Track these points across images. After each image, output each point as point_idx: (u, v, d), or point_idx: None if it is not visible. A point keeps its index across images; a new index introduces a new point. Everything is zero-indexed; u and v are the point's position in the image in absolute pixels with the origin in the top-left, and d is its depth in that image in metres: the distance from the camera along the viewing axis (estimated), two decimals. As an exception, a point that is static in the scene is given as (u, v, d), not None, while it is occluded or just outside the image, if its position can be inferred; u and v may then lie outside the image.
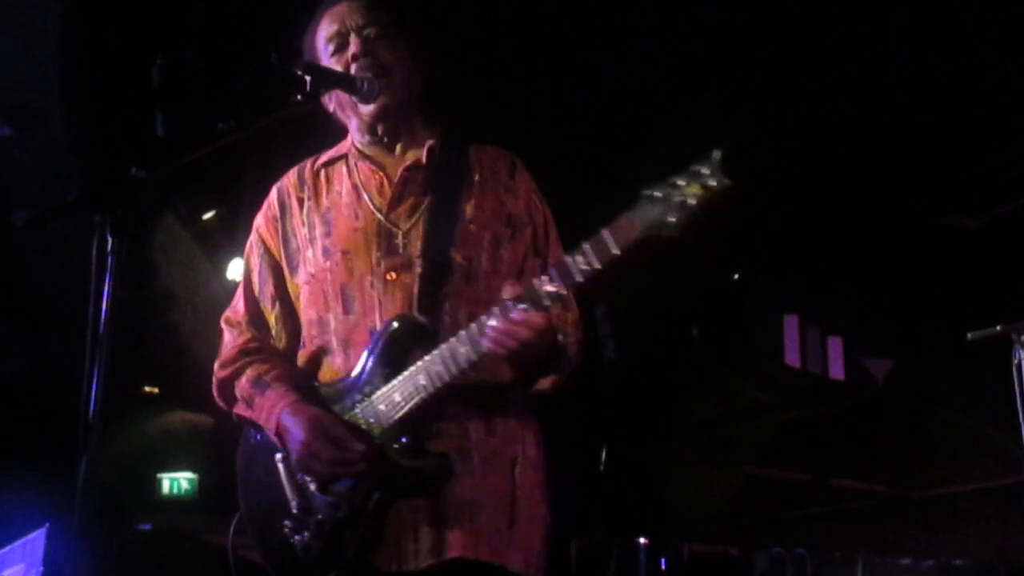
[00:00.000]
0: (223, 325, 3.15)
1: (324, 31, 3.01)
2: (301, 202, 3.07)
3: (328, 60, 2.99)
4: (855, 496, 4.68)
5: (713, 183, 2.46)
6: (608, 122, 5.65)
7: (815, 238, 6.55)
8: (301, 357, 3.00)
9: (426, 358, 2.72)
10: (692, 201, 2.46)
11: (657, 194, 2.49)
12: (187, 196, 6.09)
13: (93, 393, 2.29)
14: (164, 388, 7.41)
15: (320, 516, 2.78)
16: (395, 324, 2.79)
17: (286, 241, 3.06)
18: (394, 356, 2.77)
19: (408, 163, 3.00)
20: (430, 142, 3.01)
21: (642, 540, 4.82)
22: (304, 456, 2.79)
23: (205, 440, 7.32)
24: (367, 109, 2.96)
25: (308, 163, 3.14)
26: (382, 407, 2.76)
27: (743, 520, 4.85)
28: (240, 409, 2.99)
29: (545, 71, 5.41)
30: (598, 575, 4.89)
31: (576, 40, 5.35)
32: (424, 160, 2.99)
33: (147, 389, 7.43)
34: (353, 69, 2.94)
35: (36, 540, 4.38)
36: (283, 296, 3.07)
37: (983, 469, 4.51)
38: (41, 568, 4.24)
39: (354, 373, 2.84)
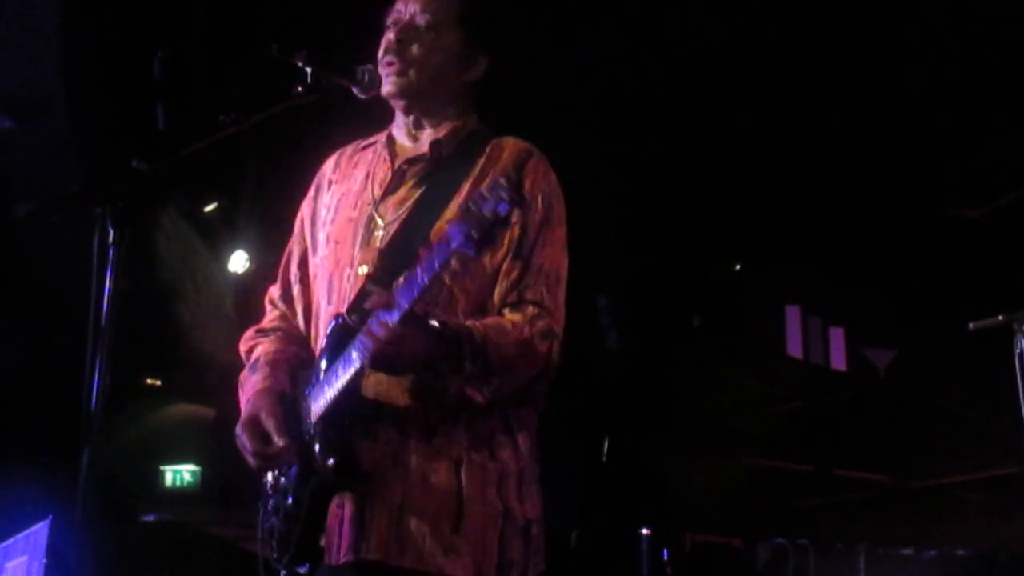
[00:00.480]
0: (265, 301, 3.17)
1: (388, 15, 2.99)
2: (330, 184, 3.08)
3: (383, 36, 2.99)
4: (857, 486, 4.67)
5: (504, 197, 2.31)
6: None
7: (817, 229, 6.56)
8: (312, 337, 3.01)
9: (340, 358, 2.69)
10: (487, 215, 2.33)
11: (471, 207, 2.35)
12: (188, 189, 6.10)
13: (95, 386, 2.29)
14: (166, 380, 7.42)
15: (278, 501, 2.82)
16: (335, 321, 2.79)
17: (313, 223, 3.07)
18: (330, 354, 2.76)
19: (412, 154, 2.97)
20: (440, 134, 2.96)
21: (644, 531, 4.82)
22: (239, 446, 2.84)
23: (207, 432, 7.34)
24: (384, 91, 2.93)
25: (351, 146, 3.13)
26: (314, 404, 2.77)
27: (745, 511, 4.85)
28: (239, 391, 3.02)
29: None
30: (599, 566, 4.89)
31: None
32: (427, 152, 2.95)
33: (149, 381, 7.45)
34: (384, 51, 2.93)
35: (39, 532, 4.40)
36: (303, 276, 3.07)
37: (985, 459, 4.51)
38: (44, 560, 4.26)
39: (315, 365, 2.85)
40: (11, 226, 5.55)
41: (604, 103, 5.62)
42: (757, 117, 5.84)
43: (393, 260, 2.77)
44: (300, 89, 2.78)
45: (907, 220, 6.40)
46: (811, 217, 6.52)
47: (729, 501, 4.81)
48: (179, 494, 7.61)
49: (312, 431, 2.75)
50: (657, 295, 6.24)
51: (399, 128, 3.04)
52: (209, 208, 6.41)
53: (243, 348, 3.09)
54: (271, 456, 2.77)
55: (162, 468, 7.65)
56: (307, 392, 2.82)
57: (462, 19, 2.97)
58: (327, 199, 3.06)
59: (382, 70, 2.93)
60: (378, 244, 2.84)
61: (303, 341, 3.04)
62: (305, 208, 3.14)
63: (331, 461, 2.69)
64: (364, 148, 3.10)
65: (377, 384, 2.73)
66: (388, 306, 2.51)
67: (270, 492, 2.87)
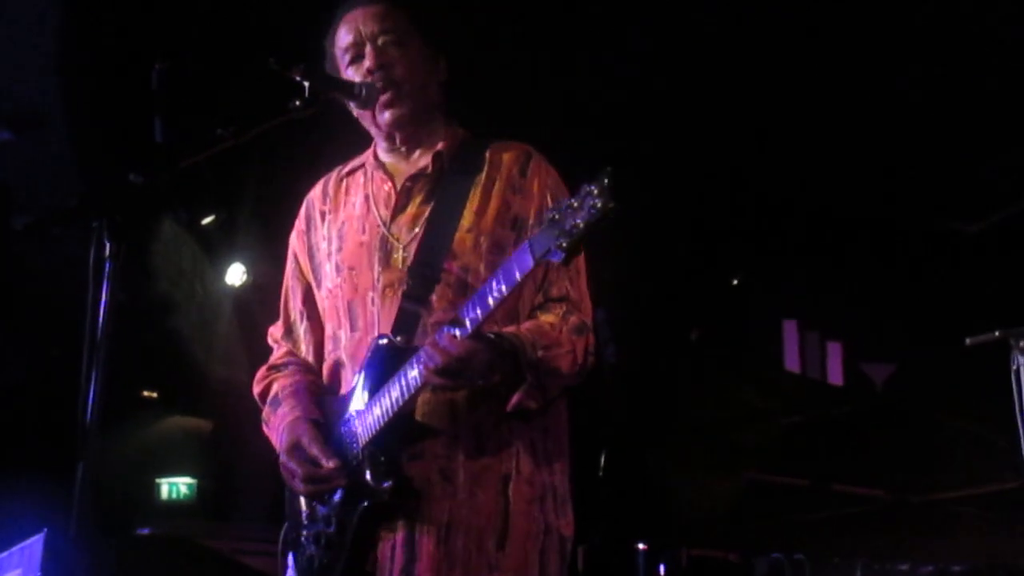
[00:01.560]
0: (269, 340, 3.18)
1: (342, 40, 2.99)
2: (323, 215, 3.07)
3: (347, 71, 2.97)
4: (854, 501, 4.66)
5: (599, 205, 2.33)
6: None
7: (815, 243, 6.56)
8: (324, 370, 3.01)
9: (392, 380, 2.70)
10: (580, 225, 2.34)
11: (556, 217, 2.39)
12: (186, 201, 6.10)
13: (91, 398, 2.29)
14: (163, 393, 7.42)
15: (319, 529, 2.81)
16: (377, 342, 2.79)
17: (311, 256, 3.07)
18: (376, 375, 2.76)
19: (413, 171, 2.97)
20: (439, 147, 2.97)
21: (641, 545, 4.82)
22: (286, 476, 2.85)
23: (203, 445, 7.33)
24: (382, 119, 2.94)
25: (334, 173, 3.13)
26: (361, 427, 2.77)
27: (742, 525, 4.84)
28: (264, 428, 3.01)
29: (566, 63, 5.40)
30: (597, 580, 4.89)
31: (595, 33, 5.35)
32: (430, 167, 2.95)
33: (146, 394, 7.45)
34: (370, 81, 2.92)
35: (34, 545, 4.38)
36: (311, 311, 3.08)
37: (982, 474, 4.50)
38: (39, 573, 4.24)
39: (349, 390, 2.85)
40: (9, 238, 5.55)
41: (601, 115, 5.63)
42: (756, 131, 5.85)
43: (423, 276, 2.80)
44: (297, 103, 2.78)
45: (905, 235, 6.41)
46: (809, 231, 6.52)
47: (726, 515, 4.80)
48: (175, 507, 7.59)
49: (361, 455, 2.75)
50: (655, 309, 6.25)
51: (385, 150, 3.04)
52: (206, 221, 6.41)
53: (257, 389, 3.09)
54: (321, 479, 2.77)
55: (158, 481, 7.64)
56: (346, 418, 2.82)
57: (414, 27, 2.99)
58: (324, 231, 3.05)
59: (377, 102, 2.92)
60: (399, 264, 2.85)
61: (316, 372, 3.04)
62: (297, 243, 3.13)
63: (388, 484, 2.70)
64: (350, 174, 3.09)
65: (423, 404, 2.74)
66: (457, 322, 2.55)
67: (306, 522, 2.86)
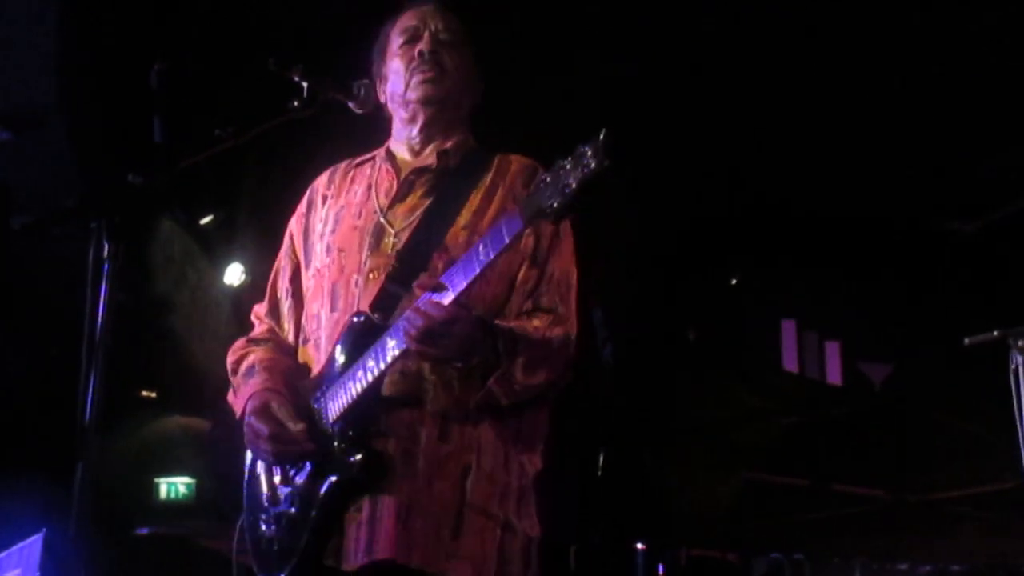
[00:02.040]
0: (252, 318, 3.21)
1: (403, 23, 3.07)
2: (324, 199, 3.11)
3: (395, 49, 3.04)
4: (853, 501, 4.67)
5: (593, 165, 2.34)
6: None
7: (813, 243, 6.56)
8: (302, 353, 3.03)
9: (367, 352, 2.71)
10: (572, 184, 2.36)
11: (548, 179, 2.41)
12: (185, 201, 6.10)
13: (90, 398, 2.29)
14: (161, 393, 7.41)
15: (280, 509, 2.81)
16: (354, 319, 2.81)
17: (306, 236, 3.11)
18: (351, 351, 2.78)
19: (418, 165, 3.01)
20: (447, 144, 3.01)
21: (639, 545, 4.82)
22: (249, 436, 2.87)
23: (202, 445, 7.32)
24: (414, 94, 2.99)
25: (344, 163, 3.18)
26: (332, 401, 2.78)
27: (741, 525, 4.85)
28: (229, 396, 3.02)
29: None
30: (596, 580, 4.89)
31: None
32: (435, 163, 2.99)
33: (144, 394, 7.43)
34: (414, 63, 2.99)
35: (33, 545, 4.38)
36: (295, 290, 3.11)
37: (981, 474, 4.50)
38: (38, 573, 4.24)
39: (322, 367, 2.87)
40: (7, 238, 5.54)
41: (598, 118, 5.63)
42: (753, 130, 5.84)
43: (410, 263, 2.81)
44: (296, 103, 2.79)
45: (903, 235, 6.41)
46: (807, 231, 6.52)
47: (725, 515, 4.80)
48: (174, 507, 7.58)
49: (331, 429, 2.76)
50: (653, 309, 6.25)
51: (400, 143, 3.09)
52: (205, 221, 6.41)
53: (231, 357, 3.11)
54: (288, 439, 2.78)
55: (157, 481, 7.63)
56: (318, 395, 2.83)
57: (470, 43, 3.08)
58: (322, 213, 3.09)
59: (413, 77, 2.99)
60: (389, 249, 2.87)
61: (293, 353, 3.06)
62: (295, 224, 3.17)
63: (358, 457, 2.70)
64: (360, 164, 3.15)
65: (392, 382, 2.75)
66: (439, 287, 2.56)
67: (266, 504, 2.86)
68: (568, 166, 2.38)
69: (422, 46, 3.00)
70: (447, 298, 2.56)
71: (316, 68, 2.94)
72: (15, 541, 4.59)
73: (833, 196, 6.20)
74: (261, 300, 3.23)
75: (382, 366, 2.67)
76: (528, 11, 5.27)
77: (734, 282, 6.89)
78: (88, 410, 2.28)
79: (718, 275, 6.85)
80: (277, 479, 2.86)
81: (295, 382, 2.95)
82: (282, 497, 2.82)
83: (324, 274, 2.97)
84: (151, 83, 5.08)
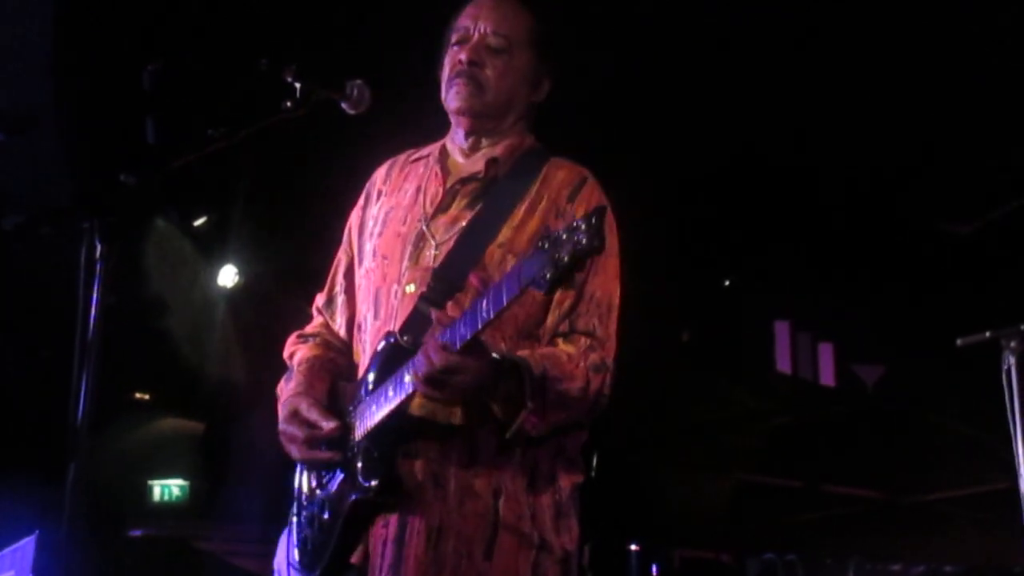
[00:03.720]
0: (312, 309, 3.17)
1: (460, 20, 2.97)
2: (380, 194, 3.06)
3: (448, 46, 2.96)
4: (846, 502, 4.68)
5: (584, 242, 2.30)
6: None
7: (806, 244, 6.57)
8: (355, 348, 2.99)
9: (391, 378, 2.69)
10: (565, 259, 2.31)
11: (546, 246, 2.35)
12: (178, 203, 6.10)
13: (82, 400, 2.28)
14: (155, 395, 7.40)
15: (313, 511, 2.81)
16: (387, 340, 2.78)
17: (360, 232, 3.06)
18: (379, 372, 2.76)
19: (465, 173, 2.94)
20: (496, 152, 2.93)
21: (633, 546, 4.82)
22: (285, 442, 2.83)
23: (196, 446, 7.32)
24: (448, 104, 2.93)
25: (404, 156, 3.11)
26: (359, 420, 2.76)
27: (734, 526, 4.85)
28: (278, 401, 3.00)
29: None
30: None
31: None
32: (482, 172, 2.92)
33: (138, 396, 7.43)
34: (453, 72, 2.91)
35: (26, 547, 4.37)
36: (348, 286, 3.07)
37: (974, 474, 4.51)
38: (31, 575, 4.23)
39: (359, 381, 2.84)
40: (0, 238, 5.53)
41: (592, 117, 5.63)
42: (748, 131, 5.85)
43: (446, 281, 2.77)
44: (289, 104, 2.77)
45: (896, 236, 6.41)
46: (801, 233, 6.52)
47: (718, 516, 4.81)
48: (168, 508, 7.58)
49: (356, 448, 2.75)
50: (646, 310, 6.24)
51: (454, 143, 3.02)
52: (199, 222, 6.40)
53: (285, 354, 3.08)
54: (322, 439, 2.75)
55: (151, 482, 7.63)
56: (351, 408, 2.81)
57: (533, 42, 2.96)
58: (375, 210, 3.03)
59: (450, 87, 2.92)
60: (428, 263, 2.82)
61: (343, 349, 3.03)
62: (353, 217, 3.12)
63: (373, 482, 2.69)
64: (416, 160, 3.07)
65: (423, 404, 2.71)
66: (452, 333, 2.52)
67: (304, 502, 2.87)
68: (564, 237, 2.36)
69: (463, 54, 2.90)
70: (455, 346, 2.51)
71: (309, 68, 2.94)
72: (9, 543, 4.58)
73: (827, 197, 6.21)
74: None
75: (402, 397, 2.64)
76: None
77: (728, 283, 6.90)
78: (80, 412, 2.27)
79: (712, 276, 6.85)
80: (314, 481, 2.85)
81: (339, 380, 2.93)
82: (316, 499, 2.82)
83: (371, 278, 2.93)
84: (144, 84, 5.07)
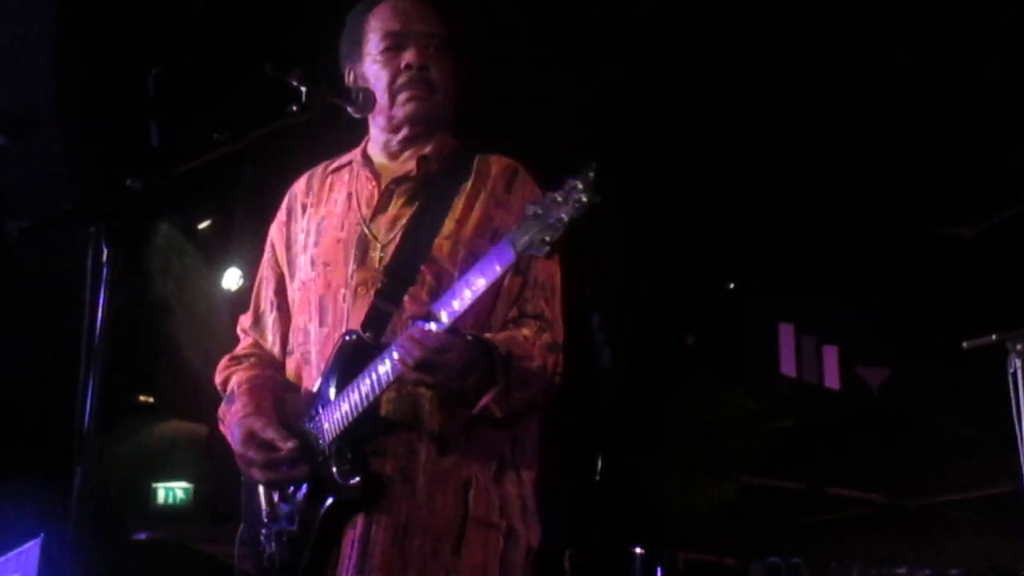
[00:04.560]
0: (237, 330, 3.19)
1: (382, 23, 2.97)
2: (304, 208, 3.08)
3: (376, 53, 2.97)
4: (851, 505, 4.67)
5: (584, 199, 2.35)
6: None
7: (811, 247, 6.56)
8: (289, 364, 3.00)
9: (360, 376, 2.69)
10: (564, 218, 2.37)
11: (538, 211, 2.40)
12: (182, 206, 6.10)
13: (88, 403, 2.28)
14: (159, 398, 7.40)
15: (280, 527, 2.80)
16: (345, 339, 2.79)
17: (288, 247, 3.07)
18: (344, 371, 2.75)
19: (399, 173, 2.97)
20: (425, 150, 2.97)
21: (637, 549, 4.82)
22: (244, 466, 2.85)
23: (200, 449, 7.32)
24: (400, 111, 2.94)
25: (321, 167, 3.14)
26: (328, 423, 2.76)
27: (739, 529, 4.85)
28: (220, 427, 3.01)
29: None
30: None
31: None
32: (415, 171, 2.95)
33: (142, 399, 7.43)
34: (401, 78, 2.93)
35: (31, 550, 4.37)
36: (281, 302, 3.08)
37: (979, 478, 4.51)
38: (36, 578, 4.23)
39: (315, 386, 2.85)
40: (4, 243, 5.53)
41: (596, 120, 5.63)
42: (750, 133, 5.85)
43: (398, 276, 2.79)
44: (294, 108, 2.77)
45: (901, 239, 6.41)
46: (805, 235, 6.52)
47: (723, 519, 4.80)
48: (172, 511, 7.58)
49: (328, 451, 2.74)
50: (650, 313, 6.24)
51: (377, 146, 3.04)
52: (203, 225, 6.41)
53: (218, 379, 3.09)
54: (281, 461, 2.76)
55: (155, 485, 7.63)
56: (313, 414, 2.81)
57: (457, 40, 3.01)
58: (303, 223, 3.05)
59: (401, 94, 2.93)
60: (376, 263, 2.84)
61: (279, 366, 3.03)
62: (275, 233, 3.14)
63: (355, 480, 2.69)
64: (336, 169, 3.09)
65: (388, 401, 2.73)
66: (431, 316, 2.54)
67: (267, 520, 2.85)
68: (559, 199, 2.38)
69: (409, 59, 2.92)
70: (439, 325, 2.54)
71: (314, 73, 2.94)
72: (13, 546, 4.58)
73: (831, 200, 6.20)
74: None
75: (377, 391, 2.65)
76: (520, 7, 5.25)
77: (732, 286, 6.89)
78: (87, 415, 2.27)
79: (716, 279, 6.84)
80: (276, 496, 2.84)
81: (282, 394, 2.93)
82: (282, 514, 2.81)
83: (310, 288, 2.94)
84: (148, 87, 5.08)
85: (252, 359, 3.07)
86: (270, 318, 3.09)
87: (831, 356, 7.03)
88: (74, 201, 2.42)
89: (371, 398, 2.66)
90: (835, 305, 6.68)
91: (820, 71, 5.43)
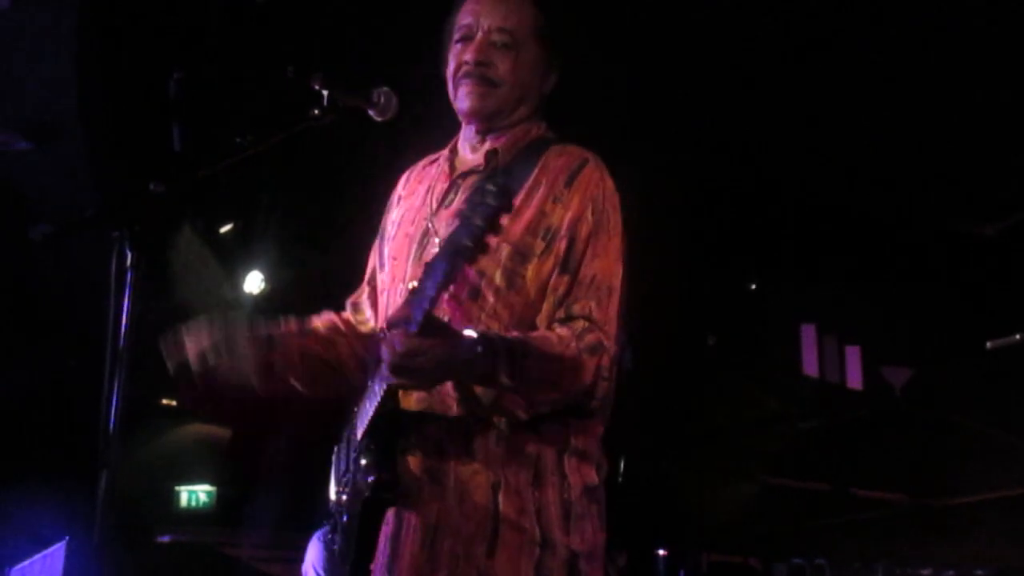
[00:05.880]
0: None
1: (462, 14, 2.94)
2: (399, 200, 3.07)
3: (451, 45, 2.93)
4: (874, 505, 4.65)
5: (490, 202, 2.37)
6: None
7: (833, 246, 6.54)
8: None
9: (375, 374, 2.68)
10: (478, 221, 2.36)
11: (467, 214, 2.40)
12: (204, 210, 6.12)
13: (112, 407, 2.29)
14: (182, 401, 7.43)
15: (342, 518, 2.82)
16: (380, 335, 2.79)
17: (382, 237, 3.08)
18: (374, 368, 2.74)
19: (467, 167, 2.93)
20: (498, 143, 2.91)
21: (660, 551, 4.81)
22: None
23: (223, 452, 7.34)
24: (458, 106, 2.91)
25: (422, 160, 3.12)
26: (361, 419, 2.78)
27: (762, 530, 4.83)
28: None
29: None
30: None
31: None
32: (482, 164, 2.90)
33: (165, 402, 7.46)
34: (461, 71, 2.89)
35: (56, 553, 4.40)
36: (371, 291, 3.10)
37: (1003, 478, 4.48)
38: (61, 581, 4.26)
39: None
40: (29, 248, 5.56)
41: (617, 121, 5.63)
42: (772, 133, 5.84)
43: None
44: (316, 111, 2.77)
45: (923, 238, 6.38)
46: (827, 235, 6.50)
47: (745, 520, 4.79)
48: (195, 515, 7.61)
49: (359, 448, 2.76)
50: (672, 314, 6.23)
51: (463, 140, 3.01)
52: (224, 229, 6.43)
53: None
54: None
55: (178, 489, 7.66)
56: (355, 408, 2.84)
57: (539, 34, 2.93)
58: (394, 215, 3.04)
59: (458, 87, 2.91)
60: (430, 258, 2.82)
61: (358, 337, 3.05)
62: (382, 225, 3.13)
63: (370, 479, 2.68)
64: (431, 163, 3.08)
65: (418, 400, 2.71)
66: (407, 319, 2.47)
67: (332, 510, 2.89)
68: (476, 201, 2.37)
69: (470, 53, 2.87)
70: (411, 328, 2.46)
71: (336, 76, 2.94)
72: (38, 549, 4.61)
73: (853, 199, 6.18)
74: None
75: (380, 394, 2.65)
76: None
77: (753, 287, 6.88)
78: (111, 419, 2.28)
79: (738, 280, 6.84)
80: (337, 488, 2.89)
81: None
82: (342, 504, 2.84)
83: (385, 280, 2.96)
84: (170, 91, 5.09)
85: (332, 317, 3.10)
86: (364, 301, 3.12)
87: (853, 356, 7.01)
88: (98, 206, 2.43)
89: (378, 399, 2.65)
90: (857, 305, 6.66)
91: (842, 69, 5.42)
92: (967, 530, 4.62)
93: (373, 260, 3.11)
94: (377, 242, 3.11)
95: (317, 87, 2.78)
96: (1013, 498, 4.43)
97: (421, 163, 3.12)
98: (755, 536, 4.88)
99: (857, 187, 6.11)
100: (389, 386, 2.61)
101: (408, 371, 2.50)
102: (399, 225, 2.97)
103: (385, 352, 2.49)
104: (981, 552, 4.71)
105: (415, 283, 2.55)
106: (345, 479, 2.83)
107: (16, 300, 6.12)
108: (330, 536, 2.87)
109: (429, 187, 2.97)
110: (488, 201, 2.33)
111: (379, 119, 2.98)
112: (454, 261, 2.36)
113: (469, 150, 2.98)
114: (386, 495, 2.67)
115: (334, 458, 2.97)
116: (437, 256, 2.44)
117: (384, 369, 2.53)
